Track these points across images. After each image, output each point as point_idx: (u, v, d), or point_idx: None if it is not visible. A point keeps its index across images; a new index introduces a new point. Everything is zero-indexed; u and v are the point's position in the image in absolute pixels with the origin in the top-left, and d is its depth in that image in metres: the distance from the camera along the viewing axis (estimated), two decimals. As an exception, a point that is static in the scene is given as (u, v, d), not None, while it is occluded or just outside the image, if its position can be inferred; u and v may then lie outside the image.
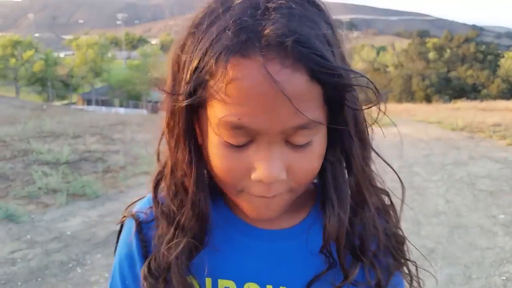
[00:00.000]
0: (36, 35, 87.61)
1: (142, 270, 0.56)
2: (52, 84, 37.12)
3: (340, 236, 0.54)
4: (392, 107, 18.33)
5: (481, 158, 6.62)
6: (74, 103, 39.26)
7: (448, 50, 33.74)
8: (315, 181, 0.59)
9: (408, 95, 29.91)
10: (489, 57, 33.62)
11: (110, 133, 7.03)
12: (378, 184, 0.61)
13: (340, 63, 0.47)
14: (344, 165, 0.55)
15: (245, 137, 0.47)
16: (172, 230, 0.54)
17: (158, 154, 0.58)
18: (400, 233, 0.64)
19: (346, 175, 0.55)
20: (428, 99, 28.00)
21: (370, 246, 0.57)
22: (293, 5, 0.45)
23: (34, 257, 2.85)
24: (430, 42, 38.92)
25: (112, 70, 44.63)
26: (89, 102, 39.49)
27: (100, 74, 42.58)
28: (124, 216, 0.62)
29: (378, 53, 48.70)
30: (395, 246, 0.61)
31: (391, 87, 31.40)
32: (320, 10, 0.49)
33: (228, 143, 0.47)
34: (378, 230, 0.58)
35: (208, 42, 0.45)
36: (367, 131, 0.56)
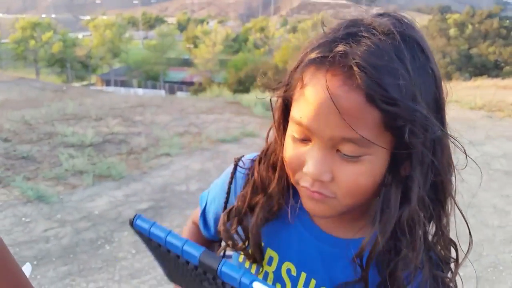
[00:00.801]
0: (54, 16, 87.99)
1: (222, 216, 0.71)
2: (71, 65, 37.52)
3: (371, 256, 0.59)
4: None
5: (498, 137, 6.58)
6: (93, 84, 39.71)
7: (470, 26, 32.76)
8: None
9: (427, 73, 29.42)
10: (513, 33, 32.57)
11: (131, 115, 7.20)
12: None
13: (405, 96, 0.50)
14: (399, 194, 0.57)
15: (305, 134, 0.56)
16: (259, 196, 0.68)
17: (267, 138, 0.71)
18: (453, 285, 0.64)
19: (398, 203, 0.57)
20: (448, 77, 27.38)
21: (403, 279, 0.59)
22: (381, 37, 0.52)
23: (65, 235, 3.05)
24: (451, 18, 37.85)
25: (130, 50, 44.76)
26: (108, 83, 39.90)
27: (118, 54, 42.78)
28: (234, 160, 0.77)
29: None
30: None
31: (409, 64, 30.87)
32: (411, 47, 0.54)
33: (293, 136, 0.58)
34: (418, 269, 0.59)
35: (304, 52, 0.56)
36: (446, 177, 0.59)
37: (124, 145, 5.24)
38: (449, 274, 0.64)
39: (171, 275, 0.61)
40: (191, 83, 40.60)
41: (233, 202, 0.71)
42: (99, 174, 4.13)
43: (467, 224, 0.62)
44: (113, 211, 3.46)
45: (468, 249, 0.62)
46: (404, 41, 0.53)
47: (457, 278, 0.64)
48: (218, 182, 0.79)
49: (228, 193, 0.74)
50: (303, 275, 0.67)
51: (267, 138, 0.71)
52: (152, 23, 72.97)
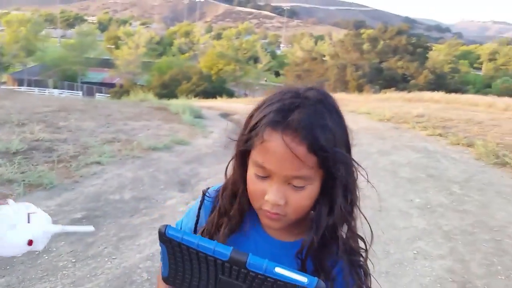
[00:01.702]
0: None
1: (199, 231, 0.93)
2: (-21, 62, 34.52)
3: (308, 251, 0.81)
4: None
5: (403, 147, 7.39)
6: (4, 83, 36.74)
7: (382, 42, 35.46)
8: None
9: (342, 84, 31.22)
10: (419, 50, 35.65)
11: (55, 121, 7.00)
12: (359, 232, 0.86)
13: (331, 145, 0.74)
14: (327, 208, 0.80)
15: (265, 173, 0.77)
16: (224, 219, 0.90)
17: (226, 172, 0.92)
18: (365, 267, 0.86)
19: (327, 214, 0.80)
20: (360, 89, 29.40)
21: (329, 266, 0.82)
22: (312, 105, 0.76)
23: (0, 245, 3.03)
24: (366, 33, 40.68)
25: (46, 48, 42.11)
26: (20, 83, 37.14)
27: (33, 53, 40.04)
28: (203, 191, 0.98)
29: (316, 43, 50.08)
30: (359, 274, 0.84)
31: (327, 76, 32.52)
32: (331, 110, 0.78)
33: (256, 174, 0.79)
34: (342, 258, 0.82)
35: (262, 114, 0.78)
36: (355, 193, 0.83)
37: (51, 152, 5.15)
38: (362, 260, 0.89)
39: (174, 278, 0.76)
40: (111, 85, 39.17)
41: (203, 223, 0.95)
42: (29, 183, 4.07)
43: (368, 224, 0.87)
44: (48, 220, 3.46)
45: (371, 239, 0.86)
46: (327, 106, 0.78)
47: (372, 280, 0.92)
48: (190, 211, 1.02)
49: (198, 217, 0.97)
50: None
51: (225, 172, 0.93)
52: (71, 21, 69.27)
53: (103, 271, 2.93)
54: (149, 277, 2.92)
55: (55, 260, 2.95)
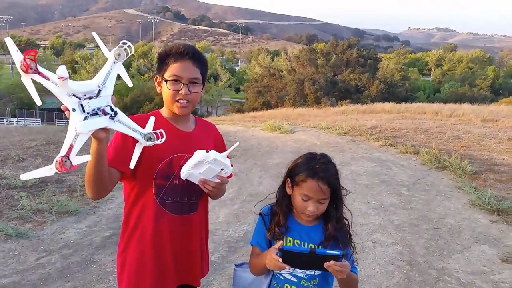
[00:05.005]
0: None
1: (267, 234, 1.88)
2: None
3: (330, 229, 1.75)
4: (289, 112, 20.50)
5: (360, 158, 8.54)
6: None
7: (334, 56, 37.50)
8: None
9: (301, 98, 32.81)
10: (369, 61, 37.90)
11: (49, 154, 7.67)
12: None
13: (337, 183, 1.72)
14: (335, 209, 1.76)
15: (308, 198, 1.69)
16: (277, 219, 1.85)
17: (277, 194, 1.86)
18: (350, 231, 1.80)
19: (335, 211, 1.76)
20: (318, 101, 31.03)
21: (339, 234, 1.74)
22: (328, 160, 1.76)
23: (56, 261, 3.84)
24: (319, 47, 42.77)
25: (0, 76, 41.37)
26: (-24, 113, 36.33)
27: (-15, 81, 39.36)
28: (259, 213, 1.89)
29: (273, 59, 51.87)
30: (348, 236, 1.78)
31: (287, 90, 34.01)
32: (335, 165, 1.77)
33: (302, 198, 1.70)
34: (343, 230, 1.77)
35: (304, 169, 1.72)
36: (343, 203, 1.78)
37: (61, 184, 5.91)
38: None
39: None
40: (72, 110, 38.87)
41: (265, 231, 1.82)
42: (56, 211, 4.86)
43: (349, 210, 1.94)
44: (85, 239, 4.30)
45: (351, 222, 1.87)
46: (331, 162, 1.78)
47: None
48: (256, 228, 1.83)
49: (265, 224, 1.81)
50: (302, 242, 1.77)
51: (276, 194, 1.91)
52: (22, 46, 68.00)
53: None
54: None
55: (103, 267, 3.79)
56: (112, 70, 1.44)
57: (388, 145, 9.69)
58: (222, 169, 1.70)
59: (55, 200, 5.13)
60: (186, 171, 1.67)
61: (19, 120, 35.22)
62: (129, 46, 1.47)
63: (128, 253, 1.86)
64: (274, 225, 1.78)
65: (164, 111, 1.90)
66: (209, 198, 1.95)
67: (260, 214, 1.86)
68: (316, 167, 1.69)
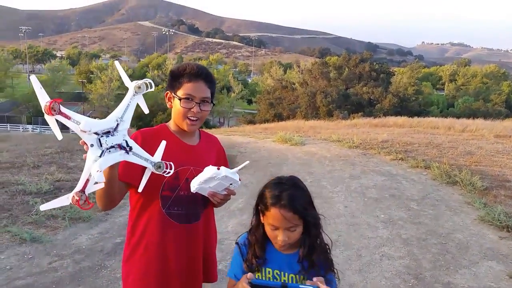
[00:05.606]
0: None
1: (244, 265, 1.66)
2: None
3: (301, 257, 1.60)
4: (301, 124, 20.60)
5: (370, 172, 8.55)
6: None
7: (347, 69, 37.62)
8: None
9: (313, 111, 32.88)
10: (382, 75, 37.92)
11: (64, 161, 7.87)
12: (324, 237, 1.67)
13: (307, 209, 1.56)
14: (308, 235, 1.59)
15: (275, 227, 1.56)
16: (252, 251, 1.66)
17: (251, 223, 1.70)
18: (331, 257, 1.66)
19: (307, 238, 1.59)
20: (330, 114, 31.06)
21: (318, 261, 1.59)
22: (294, 184, 1.60)
23: (68, 265, 3.95)
24: (331, 60, 42.97)
25: (17, 85, 42.30)
26: (-10, 120, 37.09)
27: (3, 89, 40.26)
28: (236, 242, 1.72)
29: (285, 71, 52.18)
30: (329, 262, 1.65)
31: (298, 103, 34.12)
32: (304, 189, 1.62)
33: (271, 228, 1.58)
34: (322, 257, 1.62)
35: (267, 197, 1.58)
36: (320, 227, 1.63)
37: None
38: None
39: None
40: (85, 119, 39.43)
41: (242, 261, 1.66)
42: (70, 217, 4.98)
43: (327, 236, 2.02)
44: (96, 245, 4.40)
45: (331, 244, 1.72)
46: (298, 186, 1.60)
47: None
48: (233, 259, 1.70)
49: (242, 255, 1.67)
50: (282, 273, 1.64)
51: (251, 223, 1.71)
52: (39, 56, 69.58)
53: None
54: None
55: (113, 273, 3.88)
56: (131, 103, 1.50)
57: (399, 159, 9.68)
58: (231, 184, 1.75)
59: (68, 207, 5.25)
60: (197, 185, 1.73)
61: (34, 128, 35.84)
62: (150, 83, 1.52)
63: (133, 261, 1.91)
64: (251, 255, 1.66)
65: (171, 125, 1.96)
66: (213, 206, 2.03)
67: (236, 243, 1.73)
68: (278, 194, 1.56)
